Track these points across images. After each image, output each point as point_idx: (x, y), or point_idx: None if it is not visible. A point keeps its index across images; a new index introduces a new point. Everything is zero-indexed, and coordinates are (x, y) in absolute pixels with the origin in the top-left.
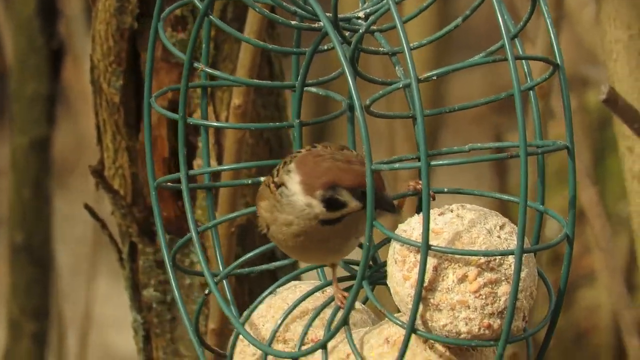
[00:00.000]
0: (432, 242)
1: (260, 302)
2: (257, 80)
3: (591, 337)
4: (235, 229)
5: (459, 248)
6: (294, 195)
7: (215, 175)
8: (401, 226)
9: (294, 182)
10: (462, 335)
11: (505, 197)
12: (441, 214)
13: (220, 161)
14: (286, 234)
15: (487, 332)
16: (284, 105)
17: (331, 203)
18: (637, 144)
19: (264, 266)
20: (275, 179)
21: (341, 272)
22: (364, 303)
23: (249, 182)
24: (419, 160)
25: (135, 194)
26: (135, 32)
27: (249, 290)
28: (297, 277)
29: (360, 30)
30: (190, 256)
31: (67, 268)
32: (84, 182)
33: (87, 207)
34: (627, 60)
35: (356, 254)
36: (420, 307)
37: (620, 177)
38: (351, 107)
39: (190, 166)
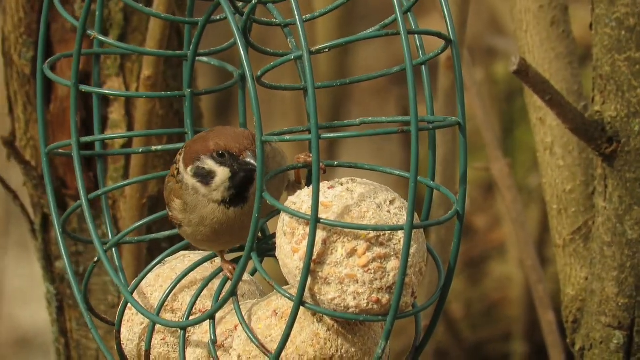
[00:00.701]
0: (322, 215)
1: (149, 271)
2: (149, 49)
3: (502, 309)
4: (147, 200)
5: (348, 222)
6: (184, 176)
7: (128, 147)
8: (291, 198)
9: (182, 162)
10: (351, 310)
11: (397, 172)
12: (331, 187)
13: (130, 132)
14: (204, 233)
15: (375, 307)
16: (195, 77)
17: (200, 175)
18: (549, 115)
19: (153, 235)
20: (174, 169)
21: None
22: (252, 275)
23: (140, 150)
24: (310, 132)
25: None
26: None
27: None
28: (186, 247)
29: (253, 1)
30: (102, 228)
31: None
32: None
33: None
34: (537, 30)
35: None
36: (309, 280)
37: (529, 149)
38: (243, 78)
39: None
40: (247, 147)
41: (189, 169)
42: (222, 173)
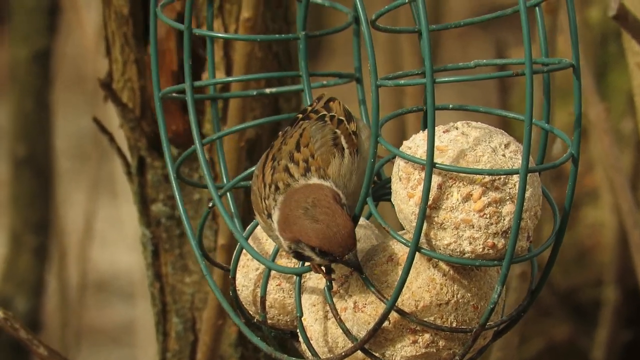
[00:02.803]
0: (437, 159)
1: None
2: None
3: (595, 255)
4: (245, 144)
5: (463, 166)
6: (276, 232)
7: (225, 90)
8: (406, 143)
9: (275, 220)
10: (466, 255)
11: (512, 114)
12: (446, 131)
13: (229, 74)
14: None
15: (491, 251)
16: (292, 20)
17: (296, 255)
18: None
19: None
20: (266, 204)
21: None
22: (367, 218)
23: (254, 93)
24: (424, 76)
25: (144, 107)
26: None
27: None
28: None
29: None
30: (199, 170)
31: (68, 181)
32: (80, 94)
33: (96, 120)
34: None
35: None
36: (425, 225)
37: (622, 94)
38: (357, 20)
39: (198, 79)
40: (350, 249)
41: (286, 239)
42: (318, 261)
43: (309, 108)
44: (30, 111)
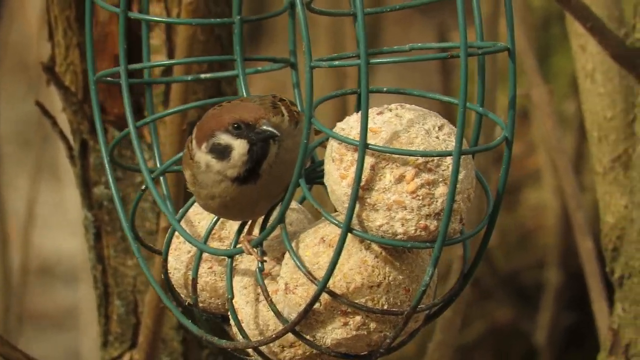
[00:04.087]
0: (370, 141)
1: None
2: None
3: (537, 237)
4: (187, 127)
5: (397, 147)
6: (196, 152)
7: (168, 74)
8: (339, 124)
9: (193, 141)
10: (399, 236)
11: (445, 98)
12: (380, 112)
13: (171, 58)
14: (212, 206)
15: (423, 233)
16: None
17: (216, 150)
18: (590, 42)
19: None
20: (189, 145)
21: None
22: (300, 203)
23: (189, 78)
24: (359, 58)
25: (86, 91)
26: None
27: None
28: None
29: None
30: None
31: (12, 166)
32: (21, 80)
33: (38, 103)
34: None
35: None
36: (357, 206)
37: (565, 76)
38: (292, 4)
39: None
40: (262, 116)
41: (203, 146)
42: (239, 146)
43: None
44: None
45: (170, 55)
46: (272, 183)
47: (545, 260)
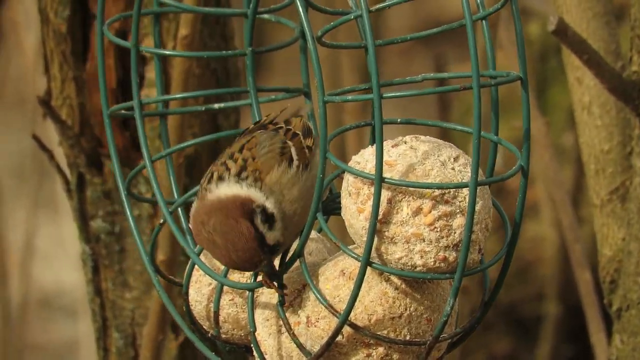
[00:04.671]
0: (386, 174)
1: None
2: (210, 8)
3: (536, 269)
4: (184, 160)
5: (412, 180)
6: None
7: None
8: (355, 158)
9: (191, 219)
10: (418, 268)
11: (460, 127)
12: (394, 145)
13: (167, 91)
14: None
15: (442, 264)
16: (231, 36)
17: None
18: (586, 75)
19: None
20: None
21: None
22: (319, 232)
23: (203, 108)
24: (371, 92)
25: (83, 124)
26: None
27: None
28: None
29: None
30: (139, 186)
31: (10, 200)
32: (20, 113)
33: (35, 137)
34: None
35: None
36: (375, 240)
37: (562, 109)
38: (303, 35)
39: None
40: (256, 265)
41: None
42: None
43: (266, 119)
44: None
45: (167, 88)
46: (285, 237)
47: (544, 293)
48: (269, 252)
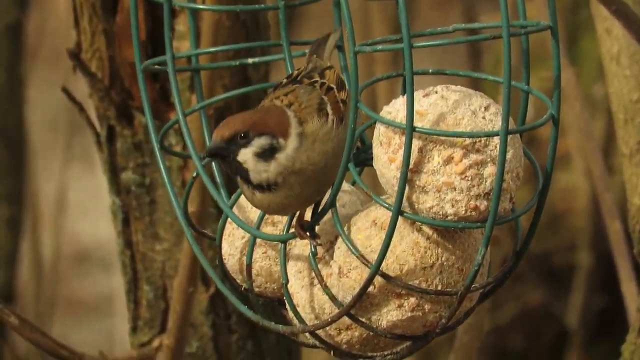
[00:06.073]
0: (417, 123)
1: None
2: None
3: (567, 219)
4: (214, 112)
5: (443, 129)
6: None
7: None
8: (386, 108)
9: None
10: (449, 217)
11: (491, 77)
12: (425, 95)
13: (197, 44)
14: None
15: (474, 213)
16: None
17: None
18: (615, 26)
19: None
20: None
21: None
22: (352, 184)
23: (237, 63)
24: (402, 42)
25: (113, 77)
26: None
27: None
28: None
29: None
30: (169, 139)
31: (45, 154)
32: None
33: (65, 90)
34: None
35: None
36: (407, 189)
37: (593, 60)
38: None
39: (163, 48)
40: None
41: None
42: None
43: (301, 71)
44: (2, 84)
45: (196, 41)
46: (302, 188)
47: (576, 243)
48: (236, 166)
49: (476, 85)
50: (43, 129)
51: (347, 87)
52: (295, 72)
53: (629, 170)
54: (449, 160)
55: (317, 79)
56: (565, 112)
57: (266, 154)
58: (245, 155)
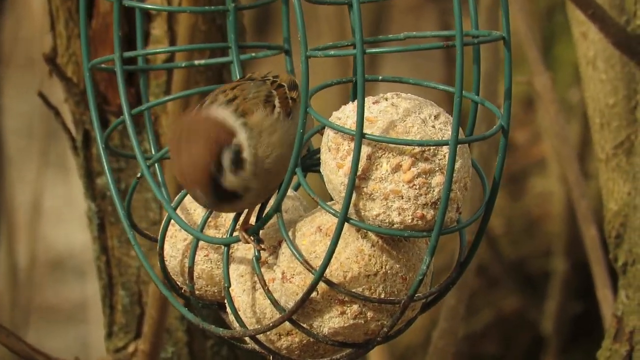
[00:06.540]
0: (367, 130)
1: None
2: None
3: (543, 225)
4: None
5: (393, 137)
6: None
7: (171, 62)
8: (335, 114)
9: None
10: (395, 226)
11: (441, 86)
12: (376, 102)
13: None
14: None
15: (420, 222)
16: None
17: None
18: (591, 29)
19: None
20: None
21: None
22: (296, 190)
23: (183, 65)
24: (355, 47)
25: None
26: None
27: None
28: None
29: None
30: (144, 144)
31: (22, 160)
32: (31, 73)
33: (41, 94)
34: None
35: None
36: (354, 195)
37: (569, 64)
38: None
39: None
40: (191, 186)
41: None
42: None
43: (252, 74)
44: None
45: (172, 44)
46: (258, 182)
47: (552, 249)
48: (224, 194)
49: (441, 93)
50: (17, 136)
51: (298, 90)
52: (250, 74)
53: (605, 175)
54: (397, 168)
55: (270, 78)
56: (541, 117)
57: (237, 163)
58: (230, 178)
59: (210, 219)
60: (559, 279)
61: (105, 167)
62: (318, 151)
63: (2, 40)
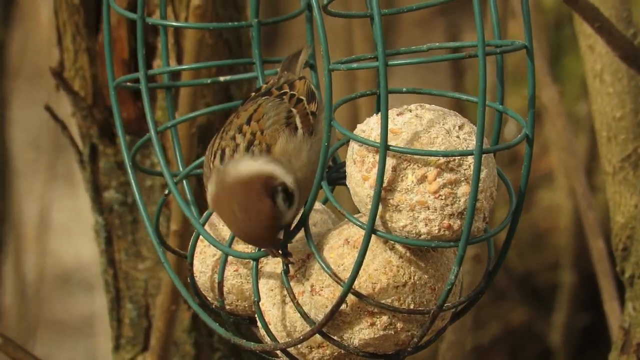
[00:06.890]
0: (391, 142)
1: None
2: None
3: (550, 237)
4: (196, 130)
5: (417, 148)
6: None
7: (176, 77)
8: (360, 126)
9: (209, 195)
10: (422, 236)
11: (465, 97)
12: (400, 114)
13: (180, 62)
14: None
15: (447, 233)
16: (243, 6)
17: None
18: (598, 43)
19: None
20: (207, 170)
21: None
22: (323, 203)
23: (209, 81)
24: (377, 60)
25: (96, 95)
26: None
27: None
28: None
29: None
30: (151, 157)
31: (30, 173)
32: (39, 86)
33: (48, 108)
34: None
35: None
36: (380, 207)
37: (577, 77)
38: (309, 7)
39: (149, 67)
40: (267, 245)
41: None
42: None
43: (271, 83)
44: None
45: (179, 59)
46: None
47: (559, 261)
48: (283, 229)
49: (459, 104)
50: (25, 149)
51: (317, 97)
52: (264, 86)
53: (612, 188)
54: (422, 179)
55: (287, 90)
56: (549, 130)
57: (289, 200)
58: (287, 216)
59: None
60: (566, 291)
61: (133, 184)
62: (344, 164)
63: (10, 52)
